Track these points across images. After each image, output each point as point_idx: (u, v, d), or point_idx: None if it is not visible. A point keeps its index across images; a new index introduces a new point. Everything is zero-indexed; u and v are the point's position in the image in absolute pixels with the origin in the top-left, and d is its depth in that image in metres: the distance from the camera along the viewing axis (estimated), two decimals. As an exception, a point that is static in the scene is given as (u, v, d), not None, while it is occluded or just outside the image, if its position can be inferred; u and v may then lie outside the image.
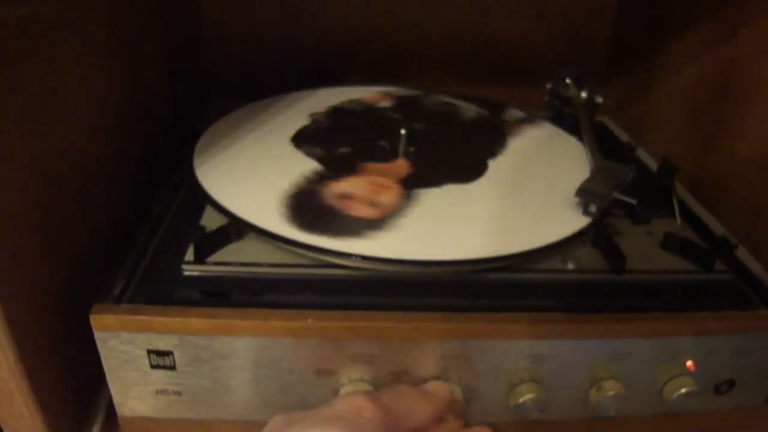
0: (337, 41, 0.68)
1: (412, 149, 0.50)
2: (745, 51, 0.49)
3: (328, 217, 0.40)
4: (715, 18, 0.53)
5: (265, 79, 0.65)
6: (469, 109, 0.59)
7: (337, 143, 0.51)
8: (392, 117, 0.57)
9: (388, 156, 0.49)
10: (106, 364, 0.35)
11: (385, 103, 0.59)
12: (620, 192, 0.41)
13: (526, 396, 0.36)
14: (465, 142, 0.53)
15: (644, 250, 0.42)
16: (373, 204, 0.42)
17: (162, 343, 0.34)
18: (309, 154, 0.49)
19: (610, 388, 0.37)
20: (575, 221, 0.42)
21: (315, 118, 0.55)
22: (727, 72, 0.51)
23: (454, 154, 0.51)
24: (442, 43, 0.69)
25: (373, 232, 0.39)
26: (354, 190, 0.44)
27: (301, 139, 0.51)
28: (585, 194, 0.41)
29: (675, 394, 0.37)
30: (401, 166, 0.48)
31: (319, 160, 0.48)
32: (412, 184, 0.45)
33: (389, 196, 0.43)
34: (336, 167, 0.47)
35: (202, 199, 0.42)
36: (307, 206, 0.41)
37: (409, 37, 0.69)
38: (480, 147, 0.52)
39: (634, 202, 0.40)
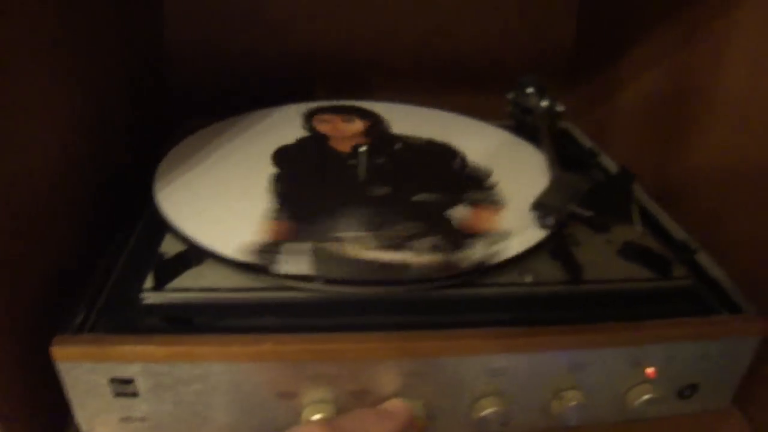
0: (303, 56, 0.68)
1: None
2: (700, 58, 0.49)
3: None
4: (672, 25, 0.53)
5: (230, 96, 0.65)
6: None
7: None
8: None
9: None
10: (71, 393, 0.35)
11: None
12: (576, 204, 0.41)
13: (488, 410, 0.36)
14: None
15: (604, 258, 0.42)
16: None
17: (124, 371, 0.34)
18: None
19: (572, 398, 0.37)
20: (532, 234, 0.42)
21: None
22: (684, 78, 0.51)
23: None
24: (405, 54, 0.69)
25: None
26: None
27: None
28: (541, 208, 0.42)
29: (638, 401, 0.38)
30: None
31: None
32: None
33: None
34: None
35: (162, 223, 0.42)
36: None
37: (373, 50, 0.69)
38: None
39: (589, 214, 0.40)
